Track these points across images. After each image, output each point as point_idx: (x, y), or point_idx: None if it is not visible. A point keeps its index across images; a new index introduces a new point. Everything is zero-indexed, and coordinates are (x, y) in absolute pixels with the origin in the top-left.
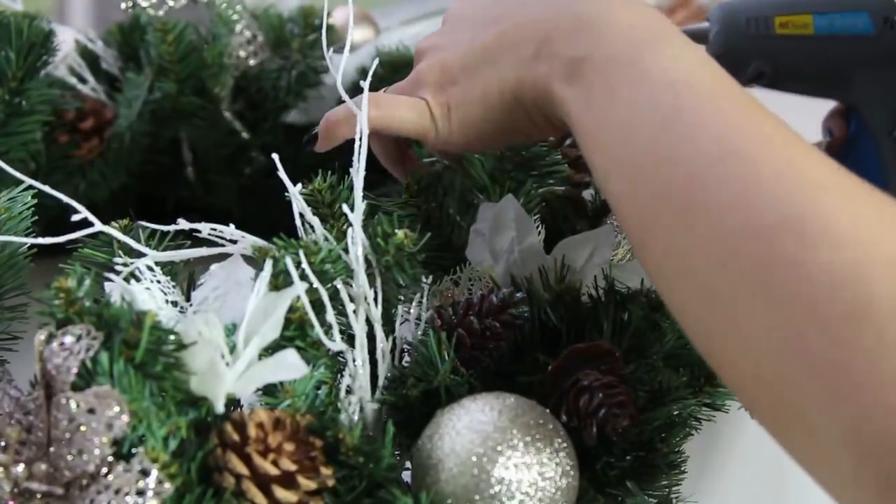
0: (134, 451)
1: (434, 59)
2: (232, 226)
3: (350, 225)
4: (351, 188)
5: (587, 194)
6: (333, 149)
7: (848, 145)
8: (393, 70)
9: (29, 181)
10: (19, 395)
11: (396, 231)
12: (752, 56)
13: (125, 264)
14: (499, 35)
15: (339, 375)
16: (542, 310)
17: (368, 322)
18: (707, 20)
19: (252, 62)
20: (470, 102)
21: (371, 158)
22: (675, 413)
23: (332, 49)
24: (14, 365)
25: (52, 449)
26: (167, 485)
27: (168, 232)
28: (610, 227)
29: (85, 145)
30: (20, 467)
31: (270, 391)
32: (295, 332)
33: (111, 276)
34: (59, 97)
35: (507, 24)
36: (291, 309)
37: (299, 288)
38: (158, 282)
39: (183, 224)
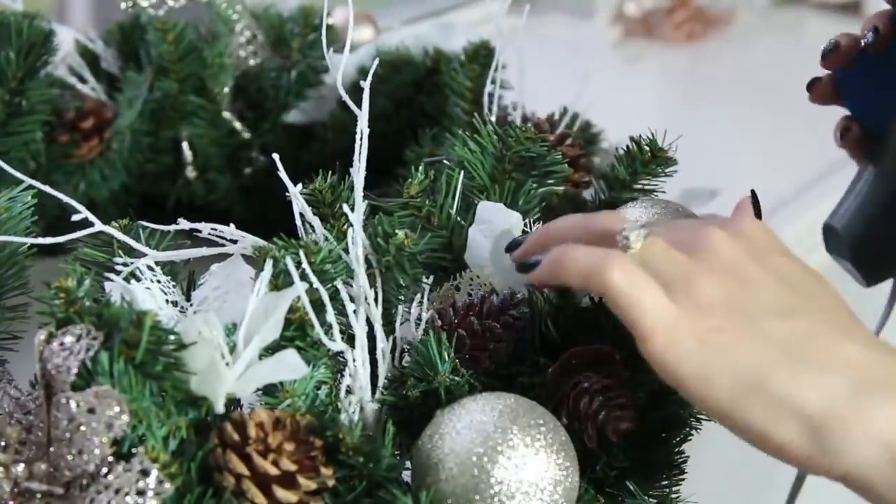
0: (134, 450)
1: (721, 291)
2: (232, 226)
3: (350, 225)
4: (351, 188)
5: (587, 194)
6: (333, 149)
7: (893, 44)
8: (393, 70)
9: (29, 181)
10: (19, 395)
11: (396, 231)
12: None
13: (125, 264)
14: (799, 335)
15: (339, 375)
16: (541, 314)
17: (368, 322)
18: None
19: (252, 62)
20: (737, 373)
21: (371, 158)
22: (675, 413)
23: (331, 49)
24: (14, 365)
25: (52, 449)
26: (167, 485)
27: (168, 232)
28: None
29: (85, 145)
30: (20, 467)
31: (270, 391)
32: (295, 332)
33: (111, 275)
34: (59, 97)
35: (805, 328)
36: (291, 309)
37: (299, 288)
38: (158, 282)
39: (183, 224)
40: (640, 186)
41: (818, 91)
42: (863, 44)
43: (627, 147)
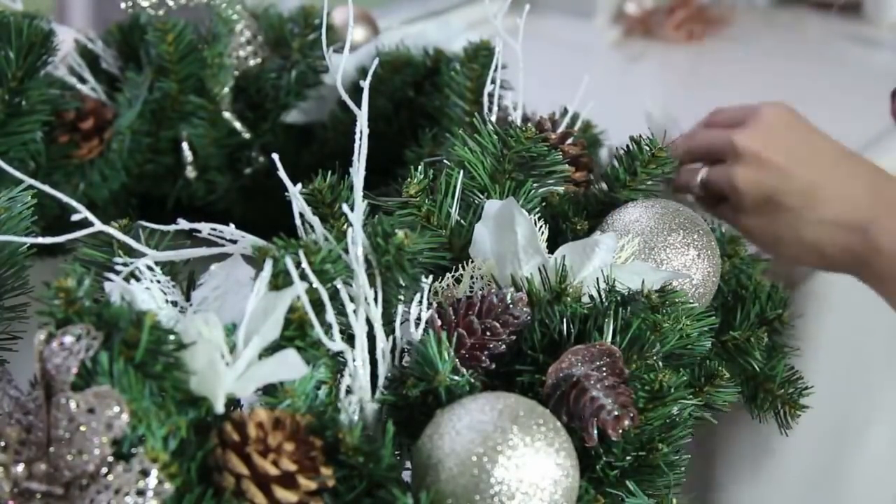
0: (134, 451)
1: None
2: (232, 226)
3: (350, 225)
4: (351, 188)
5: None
6: (333, 149)
7: None
8: (393, 70)
9: (29, 181)
10: (19, 395)
11: (396, 231)
12: None
13: (125, 264)
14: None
15: (339, 375)
16: (542, 310)
17: (368, 322)
18: None
19: (252, 62)
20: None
21: (371, 158)
22: (675, 413)
23: (331, 49)
24: (14, 365)
25: (51, 449)
26: (167, 485)
27: (168, 232)
28: (613, 235)
29: (85, 145)
30: (20, 467)
31: (270, 391)
32: (295, 332)
33: (111, 275)
34: (59, 97)
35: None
36: (291, 309)
37: (299, 288)
38: (158, 282)
39: (183, 224)
40: (640, 187)
41: None
42: None
43: (627, 147)
